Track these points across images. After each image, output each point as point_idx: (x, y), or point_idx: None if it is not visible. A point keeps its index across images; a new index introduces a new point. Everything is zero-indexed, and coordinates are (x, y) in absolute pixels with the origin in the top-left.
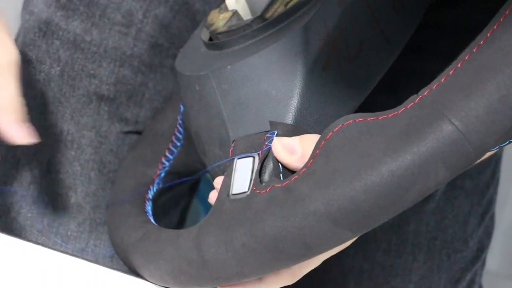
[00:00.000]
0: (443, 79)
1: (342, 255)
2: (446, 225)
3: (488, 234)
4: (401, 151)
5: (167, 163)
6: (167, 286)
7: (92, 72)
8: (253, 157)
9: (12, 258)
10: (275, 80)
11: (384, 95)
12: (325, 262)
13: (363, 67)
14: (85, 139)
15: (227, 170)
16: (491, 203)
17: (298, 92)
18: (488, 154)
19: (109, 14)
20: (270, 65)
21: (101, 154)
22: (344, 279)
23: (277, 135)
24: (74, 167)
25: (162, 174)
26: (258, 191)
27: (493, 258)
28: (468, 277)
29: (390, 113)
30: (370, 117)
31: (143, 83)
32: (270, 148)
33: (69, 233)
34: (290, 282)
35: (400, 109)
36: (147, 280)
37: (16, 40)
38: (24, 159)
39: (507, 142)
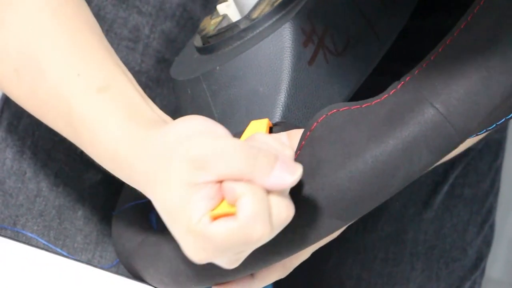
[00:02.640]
0: (424, 64)
1: (339, 264)
2: (444, 233)
3: (487, 243)
4: (384, 137)
5: None
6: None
7: None
8: None
9: (17, 263)
10: (262, 77)
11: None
12: (323, 271)
13: (351, 61)
14: None
15: None
16: (490, 212)
17: (285, 88)
18: (476, 138)
19: (116, 29)
20: (257, 63)
21: None
22: None
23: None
24: (82, 181)
25: None
26: None
27: (497, 266)
28: (466, 286)
29: (373, 101)
30: (354, 105)
31: (150, 98)
32: None
33: (75, 245)
34: (282, 275)
35: (383, 96)
36: (150, 285)
37: None
38: (30, 172)
39: (494, 126)
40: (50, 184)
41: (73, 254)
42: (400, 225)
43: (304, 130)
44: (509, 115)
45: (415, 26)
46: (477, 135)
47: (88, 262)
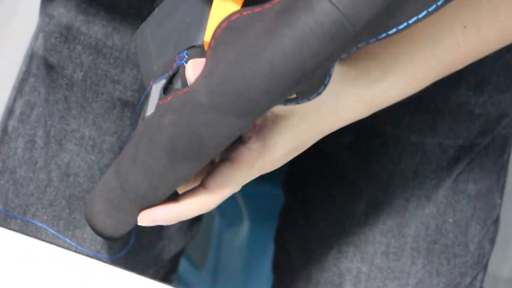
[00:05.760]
0: None
1: (340, 257)
2: (446, 229)
3: (491, 240)
4: (278, 32)
5: None
6: (109, 224)
7: (116, 77)
8: (166, 78)
9: (22, 256)
10: (192, 7)
11: None
12: (322, 264)
13: None
14: (107, 144)
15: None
16: (495, 208)
17: (210, 11)
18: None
19: (130, 19)
20: None
21: None
22: (341, 281)
23: (187, 54)
24: (93, 171)
25: None
26: (161, 102)
27: (506, 265)
28: (467, 282)
29: (274, 1)
30: (256, 8)
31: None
32: (179, 66)
33: (84, 235)
34: (210, 201)
35: None
36: (151, 279)
37: (35, 43)
38: (41, 162)
39: (394, 30)
40: (61, 174)
41: (82, 245)
42: (402, 219)
43: (210, 39)
44: (411, 19)
45: None
46: (377, 39)
47: (97, 253)
